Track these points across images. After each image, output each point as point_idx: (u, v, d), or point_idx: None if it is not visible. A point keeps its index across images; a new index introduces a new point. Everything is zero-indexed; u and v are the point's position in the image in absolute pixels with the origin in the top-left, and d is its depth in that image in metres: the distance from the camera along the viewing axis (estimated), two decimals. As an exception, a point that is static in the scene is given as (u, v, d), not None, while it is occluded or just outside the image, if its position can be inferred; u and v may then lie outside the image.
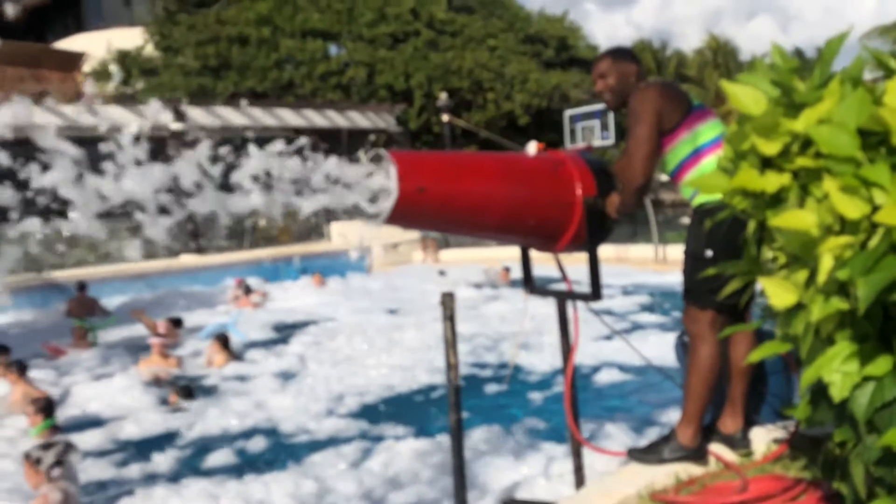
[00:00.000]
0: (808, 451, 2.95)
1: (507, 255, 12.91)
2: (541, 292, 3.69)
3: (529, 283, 3.70)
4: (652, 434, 4.61)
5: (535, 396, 6.40)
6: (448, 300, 3.31)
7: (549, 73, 25.52)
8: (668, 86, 3.00)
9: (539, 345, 7.79)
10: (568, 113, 23.72)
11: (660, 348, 4.89)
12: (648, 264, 13.35)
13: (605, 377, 6.75)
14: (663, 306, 10.21)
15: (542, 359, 7.28)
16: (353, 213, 2.59)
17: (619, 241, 14.99)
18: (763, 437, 3.19)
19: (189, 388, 9.84)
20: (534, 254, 3.47)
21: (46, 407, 5.83)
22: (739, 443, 3.14)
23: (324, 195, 2.47)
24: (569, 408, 3.52)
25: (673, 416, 3.28)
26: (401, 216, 2.67)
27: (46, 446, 4.33)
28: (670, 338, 4.07)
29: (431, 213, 2.78)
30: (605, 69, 3.14)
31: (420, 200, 2.65)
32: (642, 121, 2.89)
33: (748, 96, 1.61)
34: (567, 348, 3.65)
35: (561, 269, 3.64)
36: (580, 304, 3.47)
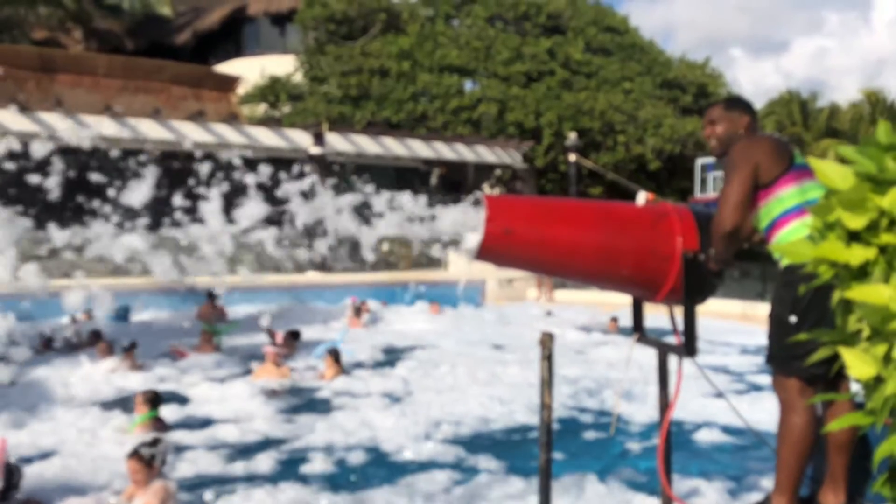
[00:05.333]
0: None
1: (625, 299, 12.66)
2: (643, 341, 3.69)
3: (638, 331, 3.70)
4: (747, 499, 4.43)
5: (633, 446, 6.28)
6: (547, 340, 3.38)
7: (685, 120, 24.97)
8: (772, 140, 2.96)
9: (643, 395, 7.63)
10: (700, 161, 23.12)
11: (773, 413, 4.72)
12: (775, 325, 12.67)
13: (706, 435, 6.51)
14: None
15: (644, 410, 7.12)
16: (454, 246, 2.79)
17: (747, 299, 14.45)
18: (869, 518, 3.03)
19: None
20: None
21: (153, 399, 6.30)
22: (841, 518, 3.01)
23: (425, 229, 2.67)
24: (661, 461, 3.49)
25: (772, 483, 3.17)
26: (488, 254, 2.84)
27: (153, 443, 4.66)
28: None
29: (519, 254, 2.91)
30: (715, 116, 3.14)
31: (507, 241, 2.80)
32: (737, 170, 2.87)
33: (835, 171, 1.62)
34: (665, 401, 3.62)
35: (672, 320, 3.61)
36: (690, 359, 3.43)
